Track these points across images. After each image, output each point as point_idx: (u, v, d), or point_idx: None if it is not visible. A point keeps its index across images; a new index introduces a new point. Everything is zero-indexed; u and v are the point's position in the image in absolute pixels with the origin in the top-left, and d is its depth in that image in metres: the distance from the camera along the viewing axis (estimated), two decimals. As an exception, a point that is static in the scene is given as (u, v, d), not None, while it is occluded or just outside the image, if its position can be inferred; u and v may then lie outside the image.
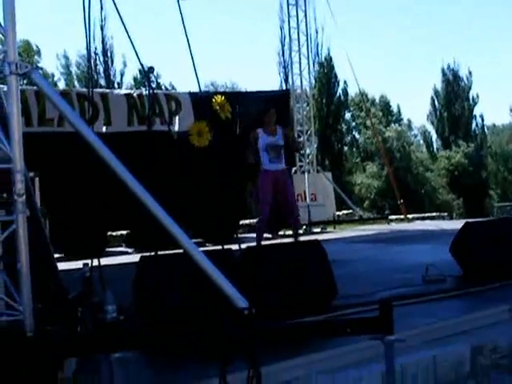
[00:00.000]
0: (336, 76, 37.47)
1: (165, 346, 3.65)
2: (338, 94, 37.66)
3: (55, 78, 34.11)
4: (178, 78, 50.61)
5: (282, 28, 33.18)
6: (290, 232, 15.13)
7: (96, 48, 33.25)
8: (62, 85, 35.57)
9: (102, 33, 33.11)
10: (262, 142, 9.78)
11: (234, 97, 15.22)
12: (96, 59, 34.83)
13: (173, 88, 35.49)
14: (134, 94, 13.81)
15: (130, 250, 13.28)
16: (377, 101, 44.08)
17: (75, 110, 12.14)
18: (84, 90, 15.63)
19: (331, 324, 3.68)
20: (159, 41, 50.82)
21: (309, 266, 5.98)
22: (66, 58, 37.34)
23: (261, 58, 56.11)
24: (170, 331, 3.64)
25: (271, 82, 42.01)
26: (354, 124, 42.68)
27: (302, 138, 18.13)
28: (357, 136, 42.49)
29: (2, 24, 3.98)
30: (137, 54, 6.03)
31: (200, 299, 4.99)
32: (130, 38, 6.09)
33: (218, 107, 14.68)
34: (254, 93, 16.29)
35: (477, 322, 5.32)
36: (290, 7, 17.49)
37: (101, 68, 35.74)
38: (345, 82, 38.05)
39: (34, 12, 45.52)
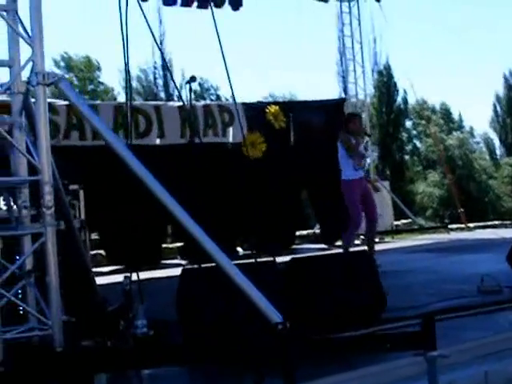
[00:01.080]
0: (395, 84, 37.02)
1: (199, 361, 3.49)
2: (397, 103, 37.21)
3: (115, 92, 34.39)
4: (238, 89, 50.40)
5: (339, 37, 33.02)
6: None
7: (155, 62, 33.65)
8: (121, 98, 35.90)
9: (161, 47, 33.52)
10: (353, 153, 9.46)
11: (288, 106, 15.07)
12: (155, 73, 35.28)
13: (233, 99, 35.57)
14: (187, 106, 13.72)
15: (183, 262, 13.17)
16: (437, 108, 43.38)
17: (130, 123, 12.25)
18: (138, 102, 15.72)
19: (370, 339, 3.45)
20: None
21: (357, 278, 5.75)
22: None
23: (320, 68, 55.83)
24: (205, 347, 3.47)
25: (331, 92, 41.70)
26: (414, 132, 42.11)
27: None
28: (418, 144, 41.87)
29: (30, 33, 3.89)
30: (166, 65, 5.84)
31: (241, 313, 4.84)
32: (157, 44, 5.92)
33: (271, 117, 14.67)
34: (308, 102, 16.14)
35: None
36: (344, 15, 17.25)
37: (160, 81, 36.11)
38: (404, 91, 37.58)
39: (94, 28, 46.16)
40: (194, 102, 16.52)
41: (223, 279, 5.25)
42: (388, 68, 36.90)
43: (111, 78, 48.91)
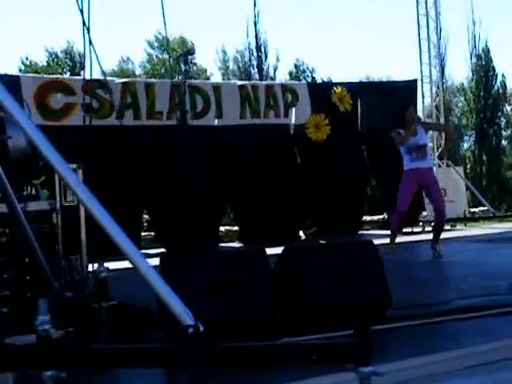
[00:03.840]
0: (494, 69, 35.53)
1: (102, 365, 3.04)
2: (495, 87, 35.71)
3: (207, 73, 34.28)
4: (336, 70, 49.70)
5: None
6: (418, 229, 14.36)
7: (250, 43, 33.37)
8: (215, 79, 35.73)
9: (256, 28, 33.21)
10: (403, 145, 9.37)
11: (355, 88, 14.34)
12: (250, 54, 34.94)
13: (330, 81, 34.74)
14: (248, 86, 13.30)
15: (240, 245, 12.83)
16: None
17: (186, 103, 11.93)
18: (197, 81, 15.38)
19: (291, 349, 2.93)
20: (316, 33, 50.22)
21: (356, 271, 5.20)
22: (224, 52, 37.64)
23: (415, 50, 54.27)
24: (107, 349, 3.02)
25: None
26: (514, 118, 40.37)
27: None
28: (517, 130, 40.12)
29: None
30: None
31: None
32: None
33: (337, 99, 14.02)
34: (377, 83, 15.44)
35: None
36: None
37: (254, 62, 35.79)
38: (503, 75, 36.04)
39: (191, 9, 46.24)
40: (257, 82, 16.11)
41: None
42: (487, 52, 35.47)
43: (208, 59, 48.86)
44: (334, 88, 13.85)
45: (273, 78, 36.13)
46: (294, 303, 5.04)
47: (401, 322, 4.98)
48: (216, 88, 12.86)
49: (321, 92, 13.91)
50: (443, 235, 12.46)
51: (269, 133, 13.09)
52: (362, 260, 5.35)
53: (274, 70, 37.10)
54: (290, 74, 38.38)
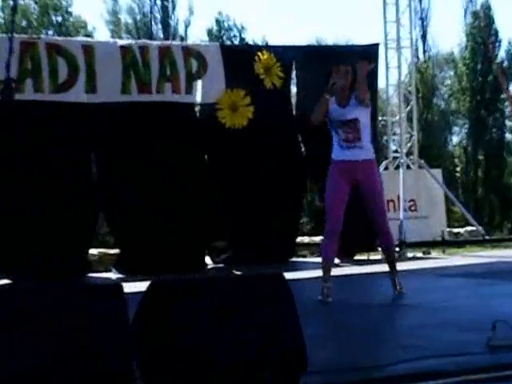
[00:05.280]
0: (497, 33, 36.04)
1: None
2: (499, 58, 36.31)
3: (88, 28, 34.34)
4: (275, 32, 50.41)
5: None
6: (377, 256, 14.51)
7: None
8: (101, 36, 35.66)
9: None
10: (329, 117, 9.05)
11: (291, 54, 14.34)
12: (152, 2, 35.03)
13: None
14: (134, 47, 13.16)
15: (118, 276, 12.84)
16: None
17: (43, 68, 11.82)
18: (58, 38, 15.20)
19: None
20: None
21: (255, 318, 5.11)
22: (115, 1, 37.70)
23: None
24: None
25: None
26: (522, 102, 41.17)
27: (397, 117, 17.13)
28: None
29: None
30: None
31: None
32: None
33: (262, 69, 13.97)
34: (322, 48, 15.48)
35: None
36: None
37: (158, 15, 35.82)
38: (509, 43, 36.62)
39: None
40: (147, 41, 15.96)
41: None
42: (487, 8, 35.91)
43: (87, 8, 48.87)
44: (259, 54, 13.79)
45: (184, 39, 36.20)
46: (157, 359, 4.96)
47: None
48: (87, 49, 12.64)
49: (240, 59, 13.77)
50: (410, 265, 12.67)
51: (164, 115, 13.05)
52: (266, 301, 5.27)
53: (186, 27, 37.22)
54: (210, 32, 38.42)
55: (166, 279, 5.34)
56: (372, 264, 13.75)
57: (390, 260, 9.44)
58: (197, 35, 36.95)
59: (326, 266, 9.15)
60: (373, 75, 13.93)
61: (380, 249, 10.48)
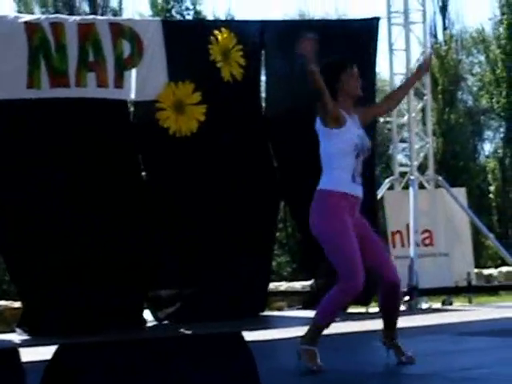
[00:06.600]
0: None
1: None
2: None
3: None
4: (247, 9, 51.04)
5: None
6: (377, 309, 14.66)
7: None
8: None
9: None
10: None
11: (260, 32, 14.45)
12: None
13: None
14: (45, 25, 13.18)
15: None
16: None
17: None
18: None
19: None
20: None
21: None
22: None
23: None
24: None
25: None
26: None
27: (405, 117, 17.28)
28: None
29: None
30: None
31: None
32: None
33: (219, 56, 14.05)
34: (305, 23, 15.62)
35: None
36: None
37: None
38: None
39: None
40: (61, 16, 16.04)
41: None
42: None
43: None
44: (216, 32, 13.87)
45: (117, 13, 36.45)
46: None
47: None
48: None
49: (190, 40, 13.85)
50: (424, 320, 12.78)
51: (85, 117, 13.09)
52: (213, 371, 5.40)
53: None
54: (154, 3, 38.51)
55: (75, 344, 5.45)
56: (371, 319, 13.90)
57: (392, 312, 9.48)
58: (136, 8, 36.89)
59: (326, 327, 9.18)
60: (367, 60, 14.07)
61: (380, 295, 10.31)
